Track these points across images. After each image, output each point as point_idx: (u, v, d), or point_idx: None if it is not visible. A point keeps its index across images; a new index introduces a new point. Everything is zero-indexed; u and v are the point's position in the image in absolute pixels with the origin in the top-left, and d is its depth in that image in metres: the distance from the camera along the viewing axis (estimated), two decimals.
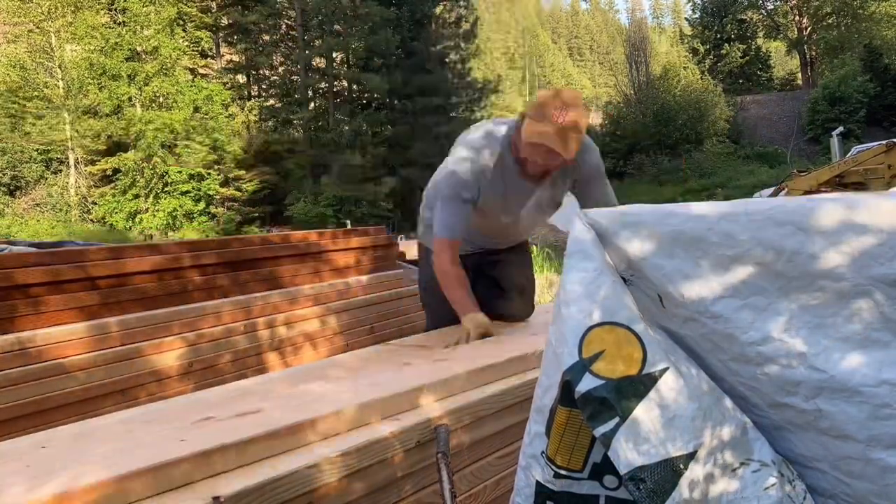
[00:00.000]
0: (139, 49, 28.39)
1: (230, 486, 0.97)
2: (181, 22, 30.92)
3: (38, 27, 28.06)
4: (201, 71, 32.48)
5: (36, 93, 27.99)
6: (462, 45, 34.82)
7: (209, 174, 27.98)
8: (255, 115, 32.57)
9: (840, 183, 10.07)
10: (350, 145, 27.77)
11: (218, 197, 28.86)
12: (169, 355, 2.78)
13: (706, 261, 0.83)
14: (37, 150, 27.86)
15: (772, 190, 12.63)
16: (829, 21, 39.07)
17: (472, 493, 1.36)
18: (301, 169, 28.64)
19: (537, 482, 0.90)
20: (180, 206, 27.41)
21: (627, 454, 0.77)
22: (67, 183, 28.48)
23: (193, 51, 31.73)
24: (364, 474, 1.14)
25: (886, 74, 31.21)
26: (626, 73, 37.66)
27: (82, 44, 28.02)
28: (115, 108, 27.73)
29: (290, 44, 32.27)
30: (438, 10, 34.73)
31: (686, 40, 48.36)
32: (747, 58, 42.00)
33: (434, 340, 2.03)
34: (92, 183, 28.98)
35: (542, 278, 7.15)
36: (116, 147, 28.00)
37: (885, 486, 0.80)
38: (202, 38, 32.26)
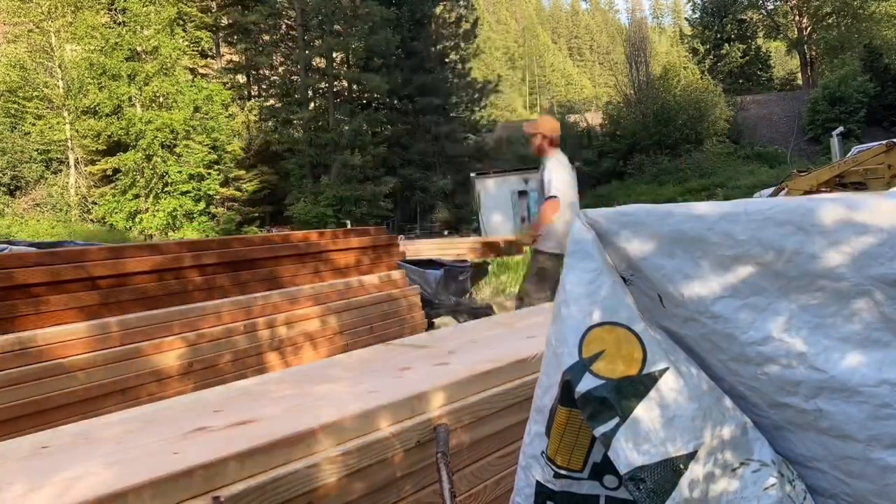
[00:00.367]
0: (139, 49, 28.39)
1: (230, 485, 0.97)
2: (181, 22, 30.92)
3: (38, 27, 28.07)
4: (201, 71, 32.50)
5: (36, 93, 28.00)
6: (462, 45, 34.81)
7: (209, 174, 27.98)
8: (255, 115, 32.59)
9: (840, 183, 10.07)
10: (350, 145, 27.77)
11: (218, 197, 28.87)
12: (169, 355, 2.78)
13: (706, 261, 0.83)
14: (37, 150, 27.87)
15: (772, 190, 12.63)
16: (829, 21, 39.08)
17: (472, 492, 1.36)
18: (301, 169, 28.64)
19: (537, 482, 0.90)
20: (180, 206, 27.41)
21: (627, 454, 0.77)
22: (67, 183, 28.49)
23: (193, 51, 31.74)
24: (364, 474, 1.14)
25: (886, 74, 31.22)
26: (626, 73, 37.65)
27: (82, 44, 28.02)
28: (115, 108, 27.73)
29: (290, 44, 32.27)
30: (438, 10, 34.73)
31: (686, 40, 48.39)
32: (747, 58, 42.02)
33: (435, 340, 2.03)
34: (92, 183, 28.99)
35: None
36: (116, 147, 28.00)
37: (885, 486, 0.80)
38: (202, 38, 32.27)
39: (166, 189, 27.67)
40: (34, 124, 27.94)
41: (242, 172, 30.00)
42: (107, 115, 27.60)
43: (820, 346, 0.80)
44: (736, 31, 41.84)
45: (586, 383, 0.80)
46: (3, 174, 27.07)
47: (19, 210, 27.00)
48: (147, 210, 27.68)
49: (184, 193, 27.59)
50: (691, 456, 0.80)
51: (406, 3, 32.64)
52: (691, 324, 0.87)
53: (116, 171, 28.09)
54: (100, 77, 27.66)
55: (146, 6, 28.43)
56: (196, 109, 28.32)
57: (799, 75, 44.47)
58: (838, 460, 0.83)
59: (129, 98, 28.03)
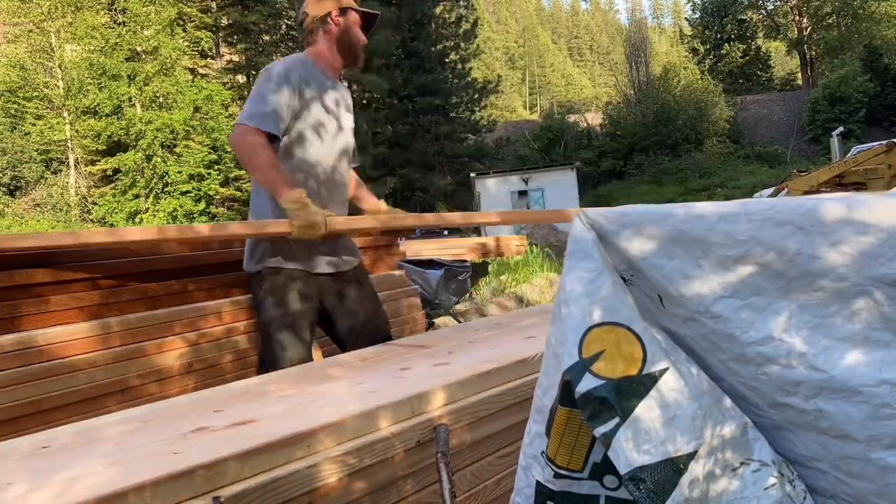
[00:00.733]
0: (139, 49, 28.40)
1: (231, 485, 0.97)
2: (181, 22, 30.94)
3: (38, 27, 28.08)
4: (201, 71, 32.51)
5: (36, 93, 28.01)
6: (462, 45, 34.81)
7: (209, 174, 27.99)
8: None
9: (840, 183, 10.09)
10: None
11: (218, 197, 28.88)
12: (170, 355, 2.78)
13: (706, 261, 0.83)
14: (37, 150, 27.87)
15: (772, 190, 12.64)
16: (829, 21, 39.10)
17: (472, 492, 1.36)
18: None
19: (537, 482, 0.90)
20: (180, 206, 27.42)
21: (628, 454, 0.77)
22: (67, 183, 28.51)
23: (193, 51, 31.76)
24: (365, 474, 1.14)
25: (886, 74, 31.23)
26: (626, 73, 37.67)
27: (82, 44, 28.04)
28: (115, 108, 27.74)
29: (290, 44, 32.27)
30: (438, 10, 34.73)
31: (686, 40, 48.42)
32: (747, 58, 42.05)
33: (435, 340, 2.03)
34: (92, 183, 29.01)
35: (543, 278, 7.15)
36: (116, 147, 28.02)
37: (885, 486, 0.80)
38: (202, 38, 32.28)
39: (166, 189, 27.68)
40: (34, 124, 27.95)
41: (242, 172, 30.01)
42: (107, 115, 27.62)
43: (820, 346, 0.80)
44: (736, 31, 41.87)
45: (586, 383, 0.80)
46: (3, 174, 27.08)
47: (19, 210, 27.02)
48: (147, 210, 27.68)
49: (184, 193, 27.60)
50: (691, 456, 0.80)
51: (406, 3, 32.64)
52: (691, 324, 0.87)
53: (116, 171, 28.11)
54: (100, 77, 27.67)
55: (146, 6, 28.43)
56: (196, 109, 28.33)
57: (799, 75, 44.50)
58: (838, 460, 0.83)
59: (129, 98, 28.05)
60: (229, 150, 29.29)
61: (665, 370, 0.81)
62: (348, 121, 2.42)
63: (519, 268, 7.82)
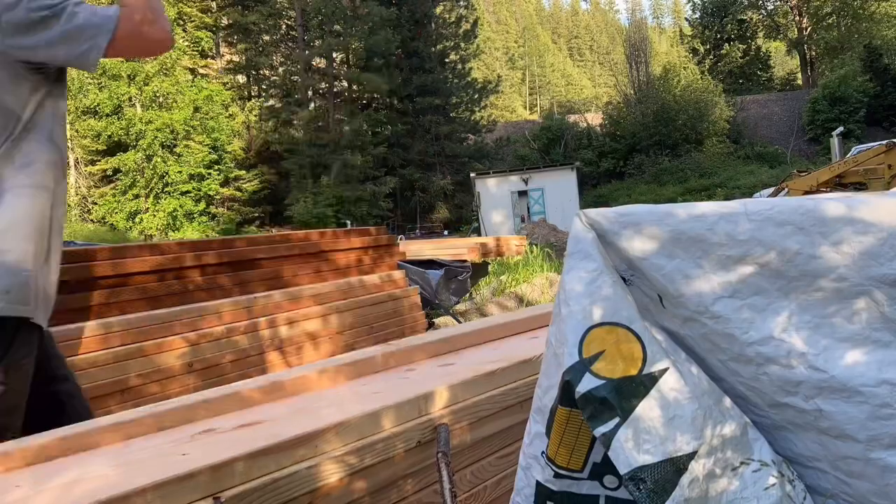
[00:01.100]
0: None
1: (235, 486, 0.98)
2: (181, 22, 30.95)
3: None
4: (201, 71, 32.52)
5: None
6: (462, 45, 34.82)
7: (209, 174, 28.00)
8: (255, 115, 32.61)
9: (840, 183, 10.09)
10: (350, 145, 27.77)
11: (218, 197, 28.89)
12: (170, 355, 2.78)
13: (706, 261, 0.83)
14: None
15: (772, 190, 12.65)
16: (829, 21, 39.11)
17: (472, 492, 1.36)
18: (301, 169, 28.65)
19: (537, 482, 0.90)
20: (180, 206, 27.43)
21: (628, 454, 0.77)
22: (67, 183, 28.50)
23: (193, 51, 31.77)
24: (365, 473, 1.14)
25: (886, 74, 31.24)
26: (626, 73, 37.67)
27: None
28: (115, 108, 27.75)
29: (290, 44, 32.28)
30: (438, 10, 34.75)
31: (686, 40, 48.43)
32: (747, 58, 42.06)
33: (437, 340, 2.03)
34: (92, 183, 29.02)
35: (543, 278, 7.15)
36: (116, 147, 28.03)
37: (885, 486, 0.80)
38: (202, 38, 32.29)
39: (166, 189, 27.69)
40: None
41: (242, 172, 30.03)
42: (107, 115, 27.62)
43: (820, 346, 0.81)
44: (736, 31, 41.89)
45: (586, 383, 0.80)
46: None
47: None
48: (147, 210, 27.69)
49: (184, 194, 27.61)
50: (691, 456, 0.80)
51: (406, 3, 32.65)
52: (691, 324, 0.87)
53: (116, 171, 28.12)
54: (100, 77, 27.68)
55: None
56: (196, 109, 28.34)
57: (799, 75, 44.50)
58: (838, 460, 0.84)
59: (129, 98, 28.06)
60: (229, 150, 29.33)
61: (665, 370, 0.82)
62: None
63: (519, 268, 7.82)
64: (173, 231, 27.17)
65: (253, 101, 34.24)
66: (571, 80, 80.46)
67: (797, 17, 40.57)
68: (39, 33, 1.45)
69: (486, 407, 1.40)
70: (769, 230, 0.80)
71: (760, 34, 43.63)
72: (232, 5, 32.53)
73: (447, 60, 34.48)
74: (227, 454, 0.99)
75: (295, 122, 30.48)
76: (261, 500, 0.98)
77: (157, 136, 27.29)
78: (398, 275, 4.47)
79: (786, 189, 11.07)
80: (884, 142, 10.11)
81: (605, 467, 0.85)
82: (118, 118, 27.70)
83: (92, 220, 28.10)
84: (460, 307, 6.04)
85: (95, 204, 28.33)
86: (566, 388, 0.82)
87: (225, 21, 33.14)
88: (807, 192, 9.96)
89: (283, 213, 28.23)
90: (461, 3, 35.67)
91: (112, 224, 27.49)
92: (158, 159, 27.41)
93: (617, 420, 0.78)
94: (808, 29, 40.00)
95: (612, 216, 0.86)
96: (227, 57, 34.43)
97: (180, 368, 2.79)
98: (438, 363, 1.62)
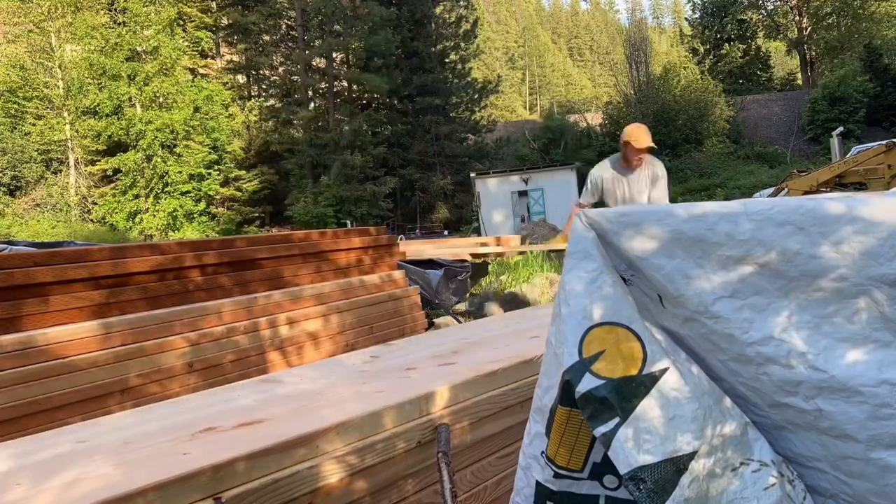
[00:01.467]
0: (139, 49, 28.39)
1: (237, 486, 0.97)
2: (181, 22, 30.94)
3: (38, 27, 28.07)
4: (201, 71, 32.49)
5: (36, 93, 28.01)
6: (462, 45, 34.79)
7: (209, 174, 27.98)
8: (255, 115, 32.59)
9: (840, 183, 10.08)
10: (350, 145, 27.76)
11: (218, 197, 28.87)
12: (171, 354, 2.78)
13: (706, 261, 0.83)
14: (37, 150, 27.87)
15: (772, 190, 12.64)
16: (829, 21, 39.08)
17: (472, 492, 1.36)
18: (301, 169, 28.64)
19: (537, 482, 0.90)
20: (180, 206, 27.42)
21: (628, 454, 0.77)
22: (67, 183, 28.49)
23: (193, 51, 31.75)
24: (366, 474, 1.14)
25: (886, 74, 31.21)
26: (626, 73, 37.63)
27: (82, 44, 28.03)
28: (115, 108, 27.73)
29: (290, 44, 32.27)
30: (438, 10, 34.72)
31: (686, 40, 48.39)
32: (747, 58, 42.02)
33: (438, 340, 2.03)
34: (92, 183, 29.00)
35: (543, 278, 7.15)
36: (116, 147, 28.01)
37: (885, 486, 0.80)
38: (202, 38, 32.28)
39: (166, 189, 27.68)
40: (34, 124, 27.94)
41: (242, 172, 30.01)
42: (107, 115, 27.61)
43: (820, 346, 0.81)
44: (736, 31, 41.85)
45: (586, 383, 0.80)
46: (3, 174, 27.08)
47: (19, 210, 27.01)
48: (147, 210, 27.68)
49: (184, 194, 27.60)
50: (692, 456, 0.80)
51: (406, 3, 32.62)
52: (691, 324, 0.87)
53: (117, 171, 28.10)
54: (100, 77, 27.67)
55: (146, 6, 28.43)
56: (196, 109, 28.33)
57: (799, 75, 44.47)
58: (838, 460, 0.84)
59: (129, 98, 28.04)
60: (229, 150, 29.31)
61: (665, 370, 0.82)
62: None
63: (519, 268, 7.81)
64: (173, 231, 27.15)
65: (253, 101, 34.22)
66: (571, 80, 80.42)
67: (797, 17, 40.54)
68: None
69: (487, 407, 1.40)
70: (769, 230, 0.80)
71: (760, 34, 43.59)
72: (232, 5, 32.50)
73: (447, 60, 34.45)
74: (228, 454, 0.99)
75: (295, 122, 30.46)
76: (262, 500, 0.98)
77: (157, 136, 27.27)
78: (398, 275, 4.47)
79: (786, 189, 11.07)
80: (884, 142, 10.10)
81: (605, 467, 0.85)
82: (118, 118, 27.68)
83: (92, 221, 28.08)
84: (460, 307, 6.04)
85: (95, 204, 28.32)
86: (566, 388, 0.82)
87: (225, 21, 33.12)
88: (807, 192, 9.95)
89: (283, 213, 28.21)
90: (461, 3, 35.63)
91: (112, 224, 27.47)
92: (158, 159, 27.40)
93: (617, 420, 0.78)
94: (808, 29, 39.97)
95: (612, 216, 0.86)
96: (227, 57, 34.41)
97: (181, 368, 2.79)
98: (439, 363, 1.62)
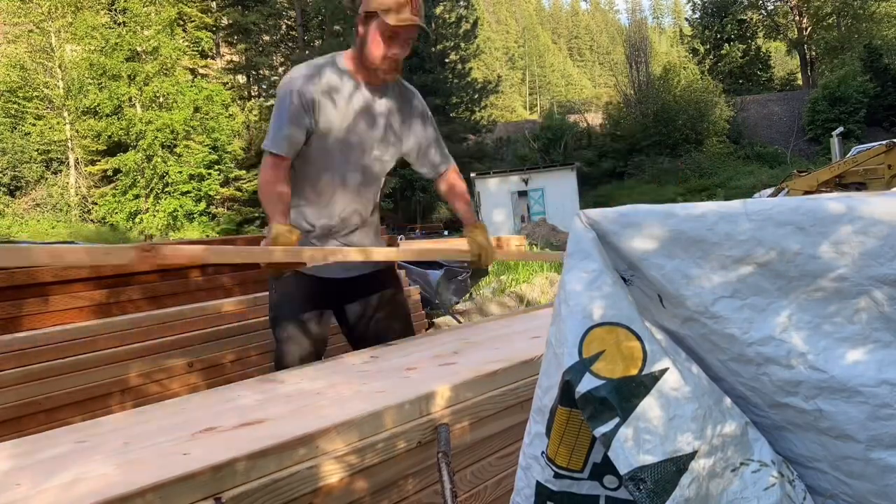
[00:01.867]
0: (139, 49, 28.41)
1: (237, 486, 0.98)
2: (181, 22, 30.96)
3: (38, 27, 28.08)
4: (201, 71, 32.52)
5: (36, 93, 28.03)
6: (462, 45, 34.81)
7: (209, 174, 28.00)
8: (255, 115, 32.60)
9: (840, 183, 10.09)
10: None
11: (218, 197, 28.90)
12: (172, 354, 2.78)
13: (706, 261, 0.83)
14: (37, 150, 27.88)
15: (772, 190, 12.66)
16: (829, 21, 39.09)
17: (472, 493, 1.36)
18: None
19: (537, 482, 0.90)
20: (181, 206, 27.44)
21: (628, 454, 0.78)
22: (67, 183, 28.52)
23: (193, 51, 31.78)
24: (366, 474, 1.14)
25: (886, 74, 31.22)
26: (626, 73, 37.66)
27: (82, 44, 28.05)
28: (115, 109, 27.76)
29: (290, 44, 32.28)
30: (438, 10, 34.74)
31: (686, 40, 48.41)
32: (747, 58, 42.04)
33: (439, 340, 2.03)
34: (92, 183, 29.02)
35: (543, 278, 7.16)
36: (116, 147, 28.04)
37: (885, 486, 0.80)
38: (202, 38, 32.30)
39: (167, 189, 27.70)
40: (34, 124, 27.97)
41: (243, 172, 30.02)
42: (107, 115, 27.64)
43: (820, 346, 0.81)
44: (736, 31, 41.86)
45: (586, 383, 0.80)
46: (4, 174, 27.09)
47: (19, 210, 27.03)
48: (147, 210, 27.70)
49: (184, 194, 27.62)
50: (692, 456, 0.80)
51: None
52: (691, 324, 0.87)
53: (117, 171, 28.13)
54: (100, 77, 27.69)
55: (146, 6, 28.44)
56: (196, 110, 28.35)
57: (799, 75, 44.48)
58: (838, 460, 0.84)
59: (130, 98, 28.07)
60: (229, 150, 29.33)
61: (665, 370, 0.82)
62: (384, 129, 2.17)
63: (519, 267, 7.82)
64: (173, 231, 27.17)
65: (253, 101, 34.24)
66: (571, 80, 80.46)
67: (797, 17, 40.56)
68: None
69: (487, 407, 1.40)
70: (769, 230, 0.80)
71: (760, 34, 43.61)
72: (232, 5, 32.52)
73: (447, 60, 34.47)
74: (229, 454, 0.99)
75: None
76: (262, 500, 0.98)
77: (157, 137, 27.29)
78: (398, 275, 4.47)
79: (786, 189, 11.08)
80: (884, 142, 10.10)
81: (606, 467, 0.85)
82: (118, 118, 27.71)
83: (92, 221, 28.10)
84: (460, 307, 6.04)
85: (95, 204, 28.34)
86: (566, 388, 0.82)
87: (225, 21, 33.14)
88: (807, 192, 9.96)
89: None
90: (461, 3, 35.66)
91: (112, 224, 27.49)
92: (158, 159, 27.42)
93: (617, 420, 0.78)
94: (808, 29, 39.99)
95: (612, 216, 0.86)
96: (227, 57, 34.43)
97: (181, 368, 2.79)
98: (440, 363, 1.62)
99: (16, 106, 27.65)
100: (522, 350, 1.67)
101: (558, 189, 24.23)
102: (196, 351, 2.87)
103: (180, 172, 27.39)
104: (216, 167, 28.35)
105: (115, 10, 28.96)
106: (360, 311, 2.27)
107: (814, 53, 40.68)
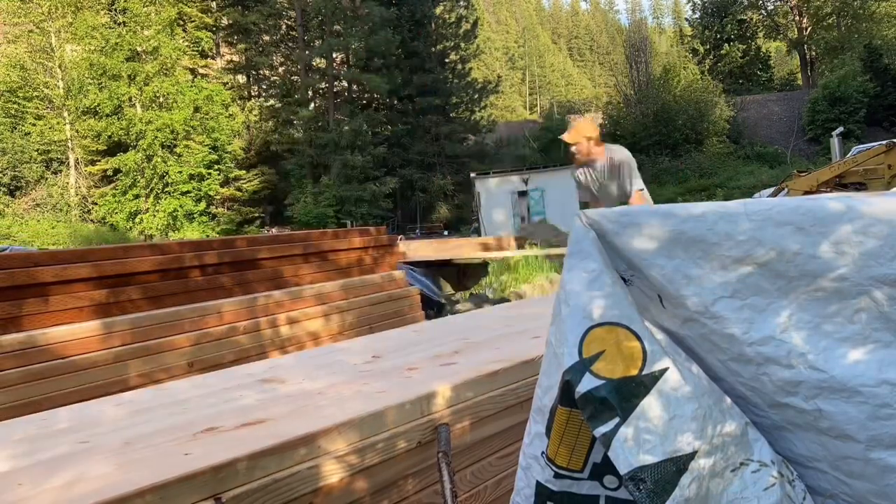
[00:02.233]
0: (139, 49, 28.40)
1: (237, 486, 0.97)
2: (181, 22, 30.94)
3: (38, 27, 28.07)
4: (201, 71, 32.50)
5: (36, 93, 28.01)
6: (462, 45, 34.80)
7: (209, 174, 27.99)
8: (255, 115, 32.60)
9: (840, 183, 10.09)
10: (350, 145, 27.75)
11: (218, 197, 28.89)
12: (171, 354, 2.78)
13: (706, 261, 0.83)
14: (37, 150, 27.87)
15: (772, 190, 12.65)
16: (829, 21, 39.07)
17: (472, 492, 1.36)
18: (301, 169, 28.65)
19: (537, 482, 0.90)
20: (181, 206, 27.43)
21: (628, 454, 0.78)
22: (67, 183, 28.50)
23: (193, 51, 31.76)
24: (366, 473, 1.14)
25: (886, 74, 31.20)
26: (626, 73, 37.63)
27: (82, 44, 28.04)
28: (116, 109, 27.74)
29: (290, 44, 32.28)
30: (438, 10, 34.74)
31: (686, 40, 48.41)
32: (747, 58, 42.02)
33: (440, 340, 2.03)
34: (92, 183, 29.00)
35: (543, 278, 7.16)
36: (117, 147, 28.02)
37: (885, 486, 0.80)
38: (202, 38, 32.28)
39: (167, 189, 27.69)
40: (34, 124, 27.95)
41: (242, 172, 30.02)
42: (107, 115, 27.62)
43: (820, 346, 0.81)
44: (736, 32, 41.85)
45: (586, 383, 0.80)
46: (3, 174, 27.08)
47: (19, 210, 27.01)
48: (147, 210, 27.69)
49: (184, 194, 27.61)
50: (692, 456, 0.80)
51: (406, 3, 32.63)
52: (691, 324, 0.87)
53: (117, 171, 28.11)
54: (100, 77, 27.68)
55: (146, 6, 28.43)
56: (196, 109, 28.34)
57: (799, 75, 44.46)
58: (838, 460, 0.84)
59: (130, 98, 28.06)
60: (229, 150, 29.32)
61: (665, 370, 0.82)
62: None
63: (519, 268, 7.82)
64: (173, 231, 27.16)
65: (253, 101, 34.23)
66: (571, 80, 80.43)
67: (797, 17, 40.54)
68: None
69: (487, 407, 1.40)
70: (769, 230, 0.80)
71: (760, 34, 43.59)
72: (232, 5, 32.50)
73: (447, 60, 34.47)
74: (229, 454, 0.99)
75: (295, 122, 30.47)
76: (262, 500, 0.98)
77: (157, 136, 27.28)
78: (398, 275, 4.47)
79: (786, 189, 11.07)
80: (884, 142, 10.10)
81: (605, 467, 0.85)
82: (118, 118, 27.69)
83: (92, 221, 28.09)
84: (460, 307, 6.04)
85: (95, 204, 28.32)
86: (566, 388, 0.82)
87: (225, 21, 33.12)
88: (807, 192, 9.96)
89: (284, 213, 28.22)
90: (461, 3, 35.65)
91: (112, 224, 27.48)
92: (158, 159, 27.40)
93: (617, 420, 0.78)
94: (808, 29, 39.97)
95: (612, 216, 0.86)
96: (227, 57, 34.41)
97: (181, 367, 2.79)
98: (440, 363, 1.62)
99: (16, 106, 27.64)
100: (522, 350, 1.67)
101: (558, 189, 24.19)
102: (196, 351, 2.87)
103: (180, 172, 27.37)
104: (216, 167, 28.34)
105: (115, 10, 28.94)
106: None
107: (814, 53, 40.66)
